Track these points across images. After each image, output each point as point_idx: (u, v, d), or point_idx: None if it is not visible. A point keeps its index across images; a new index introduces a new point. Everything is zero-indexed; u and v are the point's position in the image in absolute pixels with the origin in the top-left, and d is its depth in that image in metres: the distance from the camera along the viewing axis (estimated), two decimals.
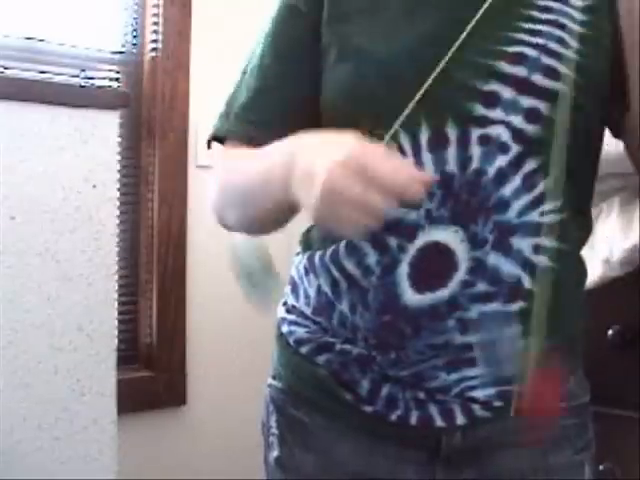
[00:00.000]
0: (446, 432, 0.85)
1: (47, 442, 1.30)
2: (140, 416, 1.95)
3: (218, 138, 0.99)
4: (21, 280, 1.28)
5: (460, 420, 0.84)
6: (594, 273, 1.43)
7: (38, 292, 1.29)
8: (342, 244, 0.84)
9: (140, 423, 1.96)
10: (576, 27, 0.82)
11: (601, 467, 1.40)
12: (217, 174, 0.96)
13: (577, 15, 0.83)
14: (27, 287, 1.28)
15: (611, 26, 0.85)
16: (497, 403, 0.84)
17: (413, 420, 0.85)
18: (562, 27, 0.82)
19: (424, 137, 0.80)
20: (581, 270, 0.92)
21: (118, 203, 1.43)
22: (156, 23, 1.99)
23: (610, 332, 1.44)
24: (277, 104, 0.90)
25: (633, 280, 1.41)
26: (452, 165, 0.80)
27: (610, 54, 0.84)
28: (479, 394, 0.84)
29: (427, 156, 0.80)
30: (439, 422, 0.84)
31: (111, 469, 1.38)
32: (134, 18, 2.00)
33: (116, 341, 1.40)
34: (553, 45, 0.81)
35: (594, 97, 0.83)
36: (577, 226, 0.88)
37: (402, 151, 0.80)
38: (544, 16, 0.82)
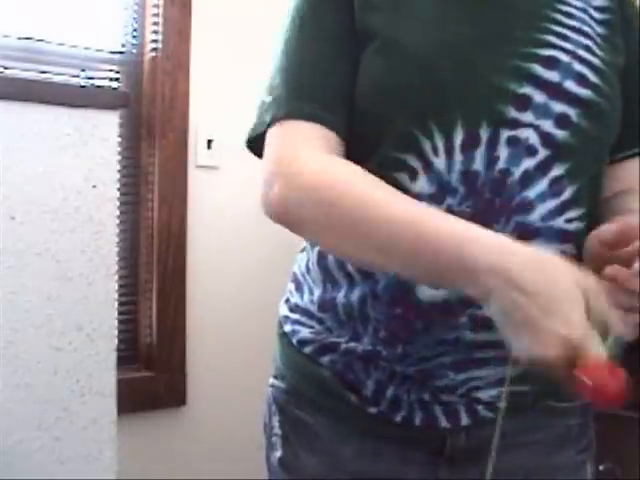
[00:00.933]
0: (450, 432, 0.85)
1: (47, 442, 1.30)
2: (140, 416, 1.95)
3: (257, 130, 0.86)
4: (21, 280, 1.27)
5: (465, 421, 0.84)
6: None
7: (38, 292, 1.29)
8: None
9: (140, 423, 1.96)
10: (597, 38, 0.83)
11: (601, 467, 1.41)
12: (308, 172, 0.78)
13: (596, 27, 0.84)
14: (27, 287, 1.28)
15: (623, 44, 0.86)
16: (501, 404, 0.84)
17: (417, 421, 0.85)
18: (586, 35, 0.82)
19: (458, 139, 0.79)
20: None
21: (118, 203, 1.43)
22: (156, 23, 1.99)
23: None
24: (336, 84, 0.83)
25: None
26: (478, 164, 0.79)
27: (620, 72, 0.85)
28: (483, 395, 0.84)
29: (458, 156, 0.79)
30: (444, 423, 0.85)
31: (111, 469, 1.38)
32: (134, 18, 2.00)
33: (116, 341, 1.40)
34: (582, 52, 0.81)
35: (616, 106, 0.84)
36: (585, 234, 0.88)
37: (435, 151, 0.79)
38: (569, 22, 0.82)
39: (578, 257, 0.84)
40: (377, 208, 0.73)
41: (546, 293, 0.63)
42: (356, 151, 0.85)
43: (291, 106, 0.82)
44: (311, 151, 0.80)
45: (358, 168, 0.78)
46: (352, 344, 0.86)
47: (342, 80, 0.84)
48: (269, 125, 0.83)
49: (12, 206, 1.27)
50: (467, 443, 0.85)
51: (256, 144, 0.86)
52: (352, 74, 0.83)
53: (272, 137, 0.83)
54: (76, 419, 1.33)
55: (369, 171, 0.80)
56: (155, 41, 2.00)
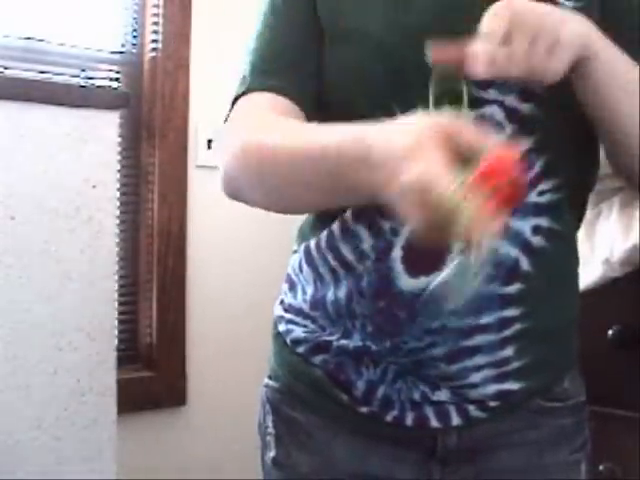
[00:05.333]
0: (442, 432, 0.85)
1: (47, 442, 1.30)
2: (140, 416, 1.95)
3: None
4: (21, 280, 1.28)
5: (455, 421, 0.84)
6: (594, 273, 1.43)
7: (38, 292, 1.29)
8: (336, 228, 0.84)
9: (140, 423, 1.96)
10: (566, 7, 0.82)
11: (601, 467, 1.41)
12: (239, 140, 0.83)
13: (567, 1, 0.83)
14: (27, 287, 1.28)
15: (598, 12, 0.85)
16: (492, 403, 0.84)
17: (409, 421, 0.85)
18: (551, 2, 0.82)
19: None
20: (574, 252, 0.92)
21: (118, 203, 1.43)
22: (156, 23, 1.99)
23: (610, 332, 1.44)
24: (291, 52, 0.87)
25: (633, 280, 1.42)
26: None
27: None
28: (475, 394, 0.84)
29: None
30: (434, 423, 0.84)
31: (111, 469, 1.38)
32: (134, 18, 2.00)
33: (116, 341, 1.40)
34: None
35: None
36: (572, 206, 0.88)
37: None
38: None
39: (554, 229, 0.84)
40: (286, 154, 0.77)
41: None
42: None
43: (246, 83, 0.87)
44: (244, 121, 0.85)
45: (271, 119, 0.82)
46: (343, 341, 0.86)
47: (301, 55, 0.87)
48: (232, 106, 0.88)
49: (12, 206, 1.27)
50: (459, 444, 0.86)
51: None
52: (313, 51, 0.86)
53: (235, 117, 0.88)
54: (76, 419, 1.33)
55: None
56: (155, 41, 2.00)
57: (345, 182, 0.70)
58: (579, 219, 0.92)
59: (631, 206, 1.43)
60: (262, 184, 0.81)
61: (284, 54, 0.87)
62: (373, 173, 0.65)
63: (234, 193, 0.86)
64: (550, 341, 0.87)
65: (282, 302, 0.96)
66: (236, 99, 0.88)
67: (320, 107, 0.86)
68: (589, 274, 1.42)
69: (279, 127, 0.81)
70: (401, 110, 0.78)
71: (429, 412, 0.84)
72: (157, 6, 1.99)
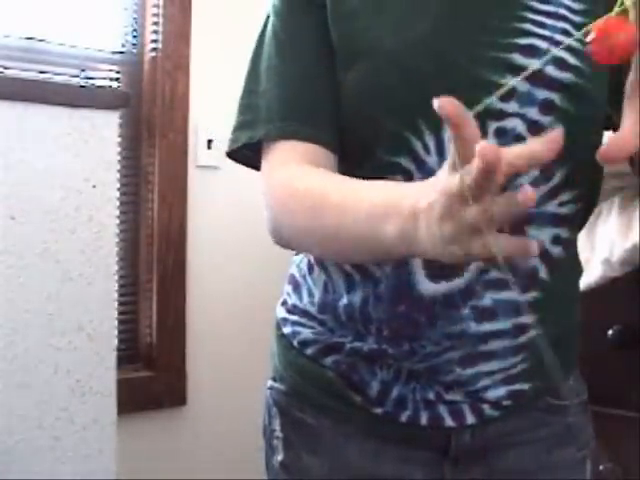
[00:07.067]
0: (456, 432, 0.85)
1: (47, 442, 1.30)
2: (140, 416, 1.95)
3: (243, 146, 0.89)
4: (21, 280, 1.28)
5: (470, 419, 0.84)
6: (594, 273, 1.43)
7: (38, 292, 1.29)
8: None
9: (140, 423, 1.96)
10: (575, 17, 0.83)
11: (601, 467, 1.41)
12: (283, 199, 0.83)
13: (574, 5, 0.83)
14: (27, 287, 1.28)
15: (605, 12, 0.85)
16: (506, 402, 0.85)
17: (423, 420, 0.85)
18: (563, 18, 0.82)
19: (447, 135, 0.79)
20: (579, 259, 0.93)
21: (118, 203, 1.43)
22: (156, 23, 2.00)
23: (610, 332, 1.45)
24: (316, 98, 0.85)
25: (633, 280, 1.42)
26: None
27: None
28: (489, 395, 0.84)
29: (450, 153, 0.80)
30: (449, 422, 0.84)
31: (111, 469, 1.38)
32: (134, 18, 2.00)
33: (116, 341, 1.40)
34: (559, 37, 0.81)
35: (600, 85, 0.84)
36: (584, 216, 0.90)
37: (427, 150, 0.80)
38: (545, 7, 0.82)
39: (570, 239, 0.85)
40: (325, 217, 0.77)
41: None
42: (350, 158, 0.85)
43: (274, 127, 0.85)
44: (280, 175, 0.84)
45: (308, 177, 0.81)
46: (357, 343, 0.86)
47: (320, 93, 0.85)
48: (246, 145, 0.87)
49: (12, 206, 1.27)
50: (472, 442, 0.86)
51: (236, 154, 0.90)
52: (330, 85, 0.85)
53: (263, 162, 0.87)
54: (76, 419, 1.33)
55: (364, 177, 0.81)
56: (155, 41, 2.00)
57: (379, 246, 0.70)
58: (583, 227, 0.93)
59: (631, 206, 1.43)
60: (309, 242, 0.82)
61: (304, 96, 0.85)
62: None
63: (285, 245, 0.86)
64: (557, 344, 0.88)
65: (285, 303, 0.95)
66: (249, 143, 0.86)
67: (345, 128, 0.85)
68: (589, 274, 1.42)
69: (314, 190, 0.80)
70: (426, 124, 0.79)
71: (443, 411, 0.84)
72: (157, 6, 2.00)
